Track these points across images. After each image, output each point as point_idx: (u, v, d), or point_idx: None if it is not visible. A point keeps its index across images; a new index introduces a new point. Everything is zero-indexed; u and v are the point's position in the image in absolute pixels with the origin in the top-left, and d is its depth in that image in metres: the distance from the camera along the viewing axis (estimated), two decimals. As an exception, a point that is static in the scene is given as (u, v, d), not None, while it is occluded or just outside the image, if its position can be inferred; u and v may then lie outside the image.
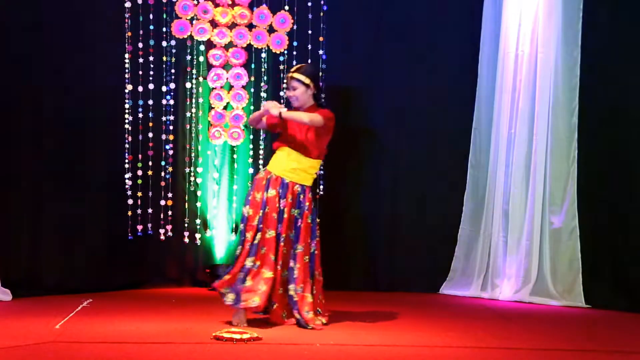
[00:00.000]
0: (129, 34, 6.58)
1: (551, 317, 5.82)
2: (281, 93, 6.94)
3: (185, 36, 6.79)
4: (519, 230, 6.58)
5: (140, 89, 6.61)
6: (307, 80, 5.17)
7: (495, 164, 6.76)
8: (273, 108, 5.03)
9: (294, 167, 5.10)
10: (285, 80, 5.26)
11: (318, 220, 5.29)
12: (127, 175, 6.56)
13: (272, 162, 5.19)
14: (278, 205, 5.01)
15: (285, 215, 5.00)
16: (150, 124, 6.66)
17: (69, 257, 6.42)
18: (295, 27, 6.89)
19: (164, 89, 6.69)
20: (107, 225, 6.61)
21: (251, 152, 7.00)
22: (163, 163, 6.75)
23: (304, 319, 4.91)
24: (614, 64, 6.34)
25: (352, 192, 7.10)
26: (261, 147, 6.99)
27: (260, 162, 6.98)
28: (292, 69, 5.31)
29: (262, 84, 6.95)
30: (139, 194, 6.62)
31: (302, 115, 5.08)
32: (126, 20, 6.57)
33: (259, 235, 4.96)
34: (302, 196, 5.08)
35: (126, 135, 6.57)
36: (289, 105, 5.45)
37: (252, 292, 4.85)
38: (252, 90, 6.96)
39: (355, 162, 7.11)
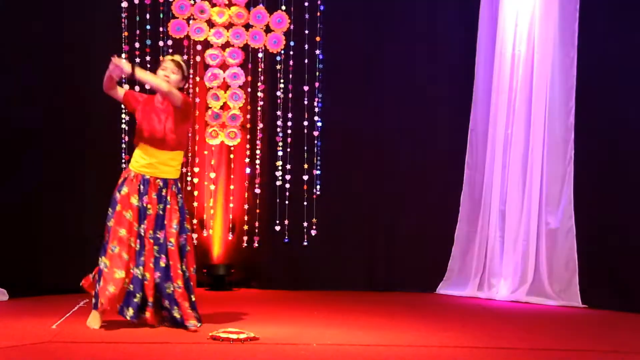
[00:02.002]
0: (126, 33, 6.58)
1: (547, 316, 5.83)
2: (278, 93, 6.95)
3: (182, 36, 6.79)
4: (515, 230, 6.59)
5: (137, 88, 6.60)
6: (186, 72, 4.94)
7: (492, 164, 6.78)
8: (125, 65, 4.61)
9: (152, 161, 4.80)
10: (164, 61, 4.87)
11: (187, 212, 5.09)
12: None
13: (132, 159, 4.89)
14: (138, 204, 4.75)
15: (150, 212, 4.75)
16: (147, 124, 6.65)
17: (66, 257, 6.41)
18: (292, 27, 6.90)
19: (161, 88, 6.68)
20: (104, 225, 6.59)
21: (248, 152, 7.00)
22: (160, 163, 6.73)
23: (185, 315, 4.70)
24: (611, 65, 6.35)
25: (349, 193, 7.10)
26: (258, 147, 6.99)
27: (257, 161, 6.98)
28: (176, 55, 5.01)
29: (259, 83, 6.96)
30: (136, 193, 6.61)
31: (153, 78, 4.76)
32: (123, 20, 6.57)
33: (108, 235, 4.74)
34: (164, 190, 4.81)
35: (123, 135, 6.57)
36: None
37: (102, 294, 4.65)
38: (249, 90, 6.97)
39: (352, 162, 7.12)
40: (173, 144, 4.83)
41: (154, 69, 6.60)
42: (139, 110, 4.87)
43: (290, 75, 6.93)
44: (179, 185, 4.96)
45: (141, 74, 4.73)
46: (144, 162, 4.81)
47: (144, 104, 4.90)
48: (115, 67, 4.62)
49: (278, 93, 6.95)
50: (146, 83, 4.84)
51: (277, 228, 6.95)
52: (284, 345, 4.35)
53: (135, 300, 4.67)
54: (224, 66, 6.92)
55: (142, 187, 4.79)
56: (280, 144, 6.95)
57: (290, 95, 6.95)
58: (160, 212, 4.79)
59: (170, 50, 6.61)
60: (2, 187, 6.20)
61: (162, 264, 4.74)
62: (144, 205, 4.77)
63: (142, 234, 4.75)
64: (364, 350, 4.30)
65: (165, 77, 4.80)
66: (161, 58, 4.95)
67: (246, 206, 7.02)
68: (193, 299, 4.83)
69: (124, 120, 6.55)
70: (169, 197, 4.82)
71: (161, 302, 4.75)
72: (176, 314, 4.72)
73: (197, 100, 6.91)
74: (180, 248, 4.82)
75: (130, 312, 4.66)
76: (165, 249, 4.76)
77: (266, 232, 6.99)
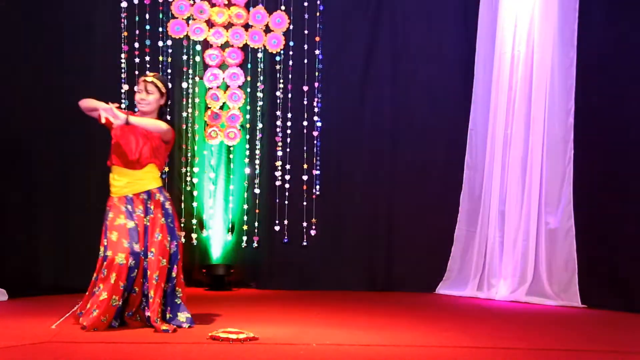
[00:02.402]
0: (125, 33, 6.58)
1: (547, 317, 5.82)
2: (277, 93, 6.95)
3: (182, 36, 6.79)
4: (515, 230, 6.59)
5: (136, 88, 6.59)
6: (164, 90, 4.87)
7: (492, 165, 6.78)
8: (117, 119, 4.58)
9: (129, 180, 4.79)
10: (139, 83, 4.84)
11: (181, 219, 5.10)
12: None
13: (110, 185, 4.84)
14: (125, 221, 4.69)
15: (140, 229, 4.73)
16: (147, 124, 6.65)
17: (65, 257, 6.41)
18: (291, 27, 6.90)
19: (160, 89, 6.68)
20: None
21: (247, 152, 7.01)
22: (159, 163, 6.74)
23: (153, 323, 4.65)
24: (610, 65, 6.35)
25: (348, 193, 7.11)
26: (257, 147, 6.99)
27: (257, 162, 6.99)
28: (149, 74, 4.95)
29: (259, 83, 6.96)
30: (135, 194, 6.61)
31: (149, 122, 4.77)
32: (122, 20, 6.57)
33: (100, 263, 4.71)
34: (149, 202, 4.80)
35: (122, 135, 6.56)
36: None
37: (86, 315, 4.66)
38: (249, 90, 6.97)
39: (351, 162, 7.12)
40: (145, 163, 4.81)
41: (154, 69, 6.65)
42: (116, 128, 4.77)
43: (290, 76, 6.94)
44: (165, 193, 4.90)
45: (135, 120, 4.69)
46: (121, 183, 4.80)
47: (121, 127, 4.77)
48: (112, 115, 4.59)
49: (277, 93, 6.95)
50: (143, 127, 4.72)
51: (277, 228, 6.95)
52: (283, 345, 4.34)
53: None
54: (223, 66, 6.92)
55: (129, 207, 4.75)
56: (280, 144, 6.95)
57: (289, 95, 6.95)
58: (148, 224, 4.77)
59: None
60: (2, 187, 6.20)
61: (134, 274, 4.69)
62: (135, 223, 4.72)
63: (137, 249, 4.67)
64: (364, 350, 4.30)
65: (142, 100, 4.81)
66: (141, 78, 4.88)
67: (246, 206, 7.03)
68: (178, 302, 4.81)
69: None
70: (152, 207, 4.79)
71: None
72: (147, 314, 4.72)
73: (197, 100, 6.91)
74: (171, 256, 4.77)
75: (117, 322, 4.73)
76: (144, 259, 4.71)
77: (266, 232, 6.99)
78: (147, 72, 5.02)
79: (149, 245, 4.73)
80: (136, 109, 4.94)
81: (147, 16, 6.64)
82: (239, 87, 6.94)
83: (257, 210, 6.97)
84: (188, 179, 6.92)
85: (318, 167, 6.97)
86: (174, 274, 4.80)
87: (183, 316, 4.78)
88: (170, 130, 4.88)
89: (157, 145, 4.83)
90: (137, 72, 6.59)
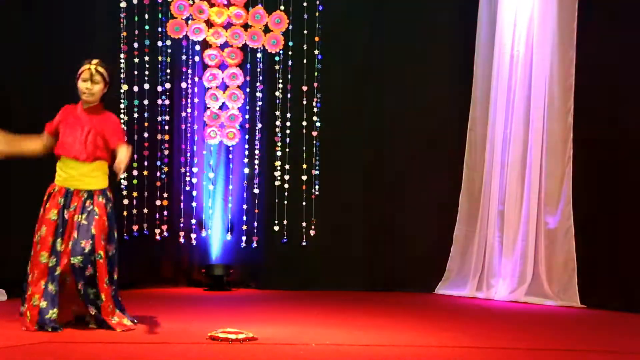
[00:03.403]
0: (124, 33, 6.58)
1: (546, 317, 5.82)
2: (277, 93, 6.95)
3: (181, 36, 6.79)
4: (514, 230, 6.59)
5: (135, 89, 6.61)
6: (108, 79, 4.70)
7: (491, 164, 6.77)
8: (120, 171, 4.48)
9: (72, 174, 4.67)
10: (82, 71, 4.60)
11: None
12: (122, 176, 6.54)
13: (56, 174, 4.74)
14: (56, 217, 4.60)
15: (69, 223, 4.60)
16: (146, 124, 6.66)
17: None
18: (290, 27, 6.90)
19: (159, 89, 6.69)
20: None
21: (246, 152, 7.01)
22: (158, 163, 6.75)
23: (110, 324, 4.59)
24: (609, 65, 6.35)
25: (347, 193, 7.11)
26: (257, 147, 6.99)
27: (256, 162, 6.98)
28: (94, 62, 4.67)
29: (258, 83, 6.96)
30: (135, 194, 6.62)
31: (127, 151, 4.55)
32: (121, 20, 6.57)
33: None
34: (88, 202, 4.63)
35: (121, 135, 6.56)
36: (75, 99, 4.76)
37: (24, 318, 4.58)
38: (248, 90, 6.97)
39: (351, 162, 7.12)
40: (91, 157, 4.65)
41: (153, 69, 6.66)
42: (62, 122, 4.70)
43: (289, 76, 6.93)
44: (109, 194, 4.72)
45: (124, 164, 4.49)
46: (64, 175, 4.68)
47: (64, 115, 4.71)
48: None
49: (277, 93, 6.95)
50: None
51: (276, 228, 6.95)
52: (282, 345, 4.34)
53: (48, 316, 4.50)
54: (222, 66, 6.92)
55: (64, 200, 4.63)
56: (279, 144, 6.95)
57: (289, 95, 6.95)
58: (84, 222, 4.57)
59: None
60: (2, 187, 6.19)
61: (87, 273, 4.55)
62: (64, 217, 4.59)
63: (59, 248, 4.56)
64: (363, 350, 4.30)
65: (87, 89, 4.63)
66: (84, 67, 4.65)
67: (245, 206, 7.02)
68: (121, 303, 4.76)
69: (122, 121, 6.55)
70: (95, 208, 4.62)
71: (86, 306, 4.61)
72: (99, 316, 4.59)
73: (196, 100, 6.90)
74: (109, 259, 4.66)
75: (50, 326, 4.49)
76: (92, 261, 4.56)
77: (265, 232, 6.99)
78: (91, 60, 4.69)
79: (96, 247, 4.58)
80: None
81: (147, 16, 6.63)
82: (238, 87, 6.94)
83: (256, 210, 6.97)
84: (187, 179, 6.91)
85: (317, 167, 6.97)
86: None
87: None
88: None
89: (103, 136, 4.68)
90: (136, 72, 6.59)
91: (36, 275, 4.58)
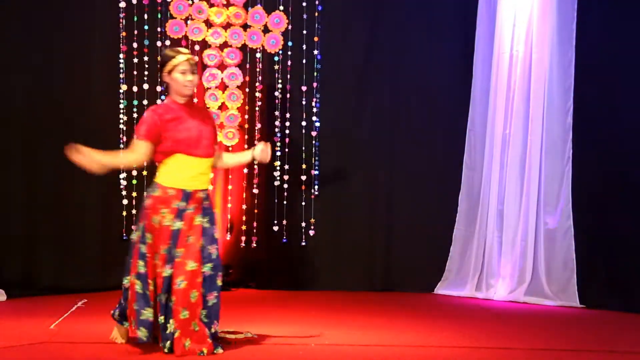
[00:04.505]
0: (124, 33, 6.57)
1: (546, 317, 5.83)
2: (276, 93, 6.95)
3: (180, 36, 6.78)
4: (513, 230, 6.59)
5: (135, 89, 6.60)
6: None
7: (490, 164, 6.78)
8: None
9: (192, 174, 4.36)
10: (179, 63, 4.27)
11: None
12: (121, 175, 6.55)
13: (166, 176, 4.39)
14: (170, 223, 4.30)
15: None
16: (145, 124, 6.64)
17: (64, 258, 6.41)
18: (290, 27, 6.89)
19: (158, 89, 6.68)
20: (101, 226, 6.60)
21: (246, 152, 6.99)
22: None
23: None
24: (608, 64, 6.36)
25: (347, 193, 7.10)
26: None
27: (255, 162, 6.97)
28: (186, 51, 4.41)
29: (257, 84, 6.95)
30: (134, 194, 6.62)
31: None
32: (120, 20, 6.56)
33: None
34: (206, 202, 4.40)
35: (121, 135, 6.56)
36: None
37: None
38: (247, 90, 6.96)
39: (350, 163, 7.12)
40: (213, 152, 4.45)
41: (152, 69, 6.64)
42: (173, 122, 4.30)
43: (288, 76, 6.93)
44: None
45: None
46: (183, 175, 4.34)
47: (166, 113, 4.29)
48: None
49: (276, 93, 6.95)
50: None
51: (275, 228, 6.94)
52: (282, 345, 4.35)
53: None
54: (221, 66, 6.92)
55: (182, 202, 4.31)
56: (279, 144, 6.95)
57: (288, 95, 6.94)
58: (207, 225, 4.30)
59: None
60: (1, 186, 6.19)
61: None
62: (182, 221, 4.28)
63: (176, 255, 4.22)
64: (363, 350, 4.31)
65: (190, 82, 4.30)
66: (175, 61, 4.28)
67: (244, 206, 7.02)
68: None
69: (121, 121, 6.54)
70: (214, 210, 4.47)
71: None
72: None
73: (195, 100, 6.90)
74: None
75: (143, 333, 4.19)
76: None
77: (264, 233, 6.98)
78: (179, 49, 4.42)
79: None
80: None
81: (146, 16, 6.62)
82: (238, 87, 6.94)
83: (255, 211, 6.97)
84: (187, 179, 6.90)
85: (317, 167, 6.97)
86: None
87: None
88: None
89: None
90: (135, 72, 6.58)
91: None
